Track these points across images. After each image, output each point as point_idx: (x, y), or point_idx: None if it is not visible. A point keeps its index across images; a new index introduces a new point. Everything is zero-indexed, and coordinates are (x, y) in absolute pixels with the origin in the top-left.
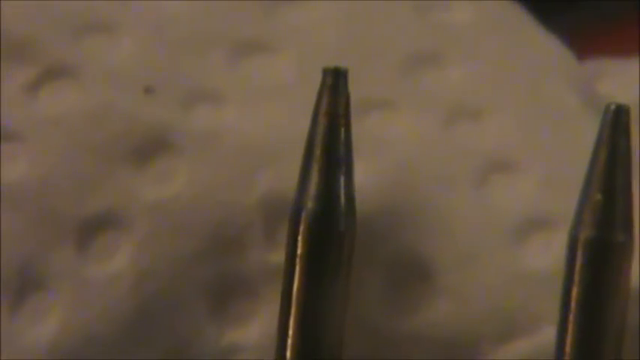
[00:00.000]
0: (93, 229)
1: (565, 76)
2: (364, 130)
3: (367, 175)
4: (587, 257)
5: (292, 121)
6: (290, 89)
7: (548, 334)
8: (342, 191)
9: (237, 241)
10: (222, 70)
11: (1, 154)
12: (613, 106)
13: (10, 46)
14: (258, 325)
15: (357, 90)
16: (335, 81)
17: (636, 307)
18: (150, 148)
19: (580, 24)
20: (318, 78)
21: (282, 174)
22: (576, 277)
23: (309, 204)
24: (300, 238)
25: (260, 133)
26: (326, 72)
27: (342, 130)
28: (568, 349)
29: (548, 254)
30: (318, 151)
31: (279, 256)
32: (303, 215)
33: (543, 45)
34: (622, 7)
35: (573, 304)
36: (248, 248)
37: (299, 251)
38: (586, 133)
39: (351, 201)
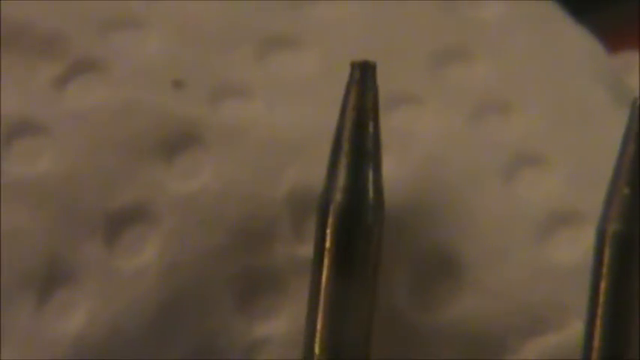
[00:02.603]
0: (120, 223)
1: (594, 70)
2: (392, 124)
3: (395, 170)
4: (614, 251)
5: (319, 116)
6: (317, 84)
7: (576, 329)
8: (371, 184)
9: (265, 235)
10: (250, 64)
11: (29, 149)
12: None
13: (39, 41)
14: (285, 319)
15: (384, 84)
16: (363, 74)
17: None
18: (177, 142)
19: (612, 19)
20: (344, 73)
21: (309, 168)
22: (604, 271)
23: (338, 197)
24: (328, 231)
25: (287, 127)
26: (354, 65)
27: (371, 123)
28: (596, 343)
29: (576, 248)
30: (346, 145)
31: (306, 250)
32: (332, 208)
33: (573, 39)
34: None
35: (601, 298)
36: (275, 242)
37: (327, 244)
38: (614, 128)
39: (379, 194)
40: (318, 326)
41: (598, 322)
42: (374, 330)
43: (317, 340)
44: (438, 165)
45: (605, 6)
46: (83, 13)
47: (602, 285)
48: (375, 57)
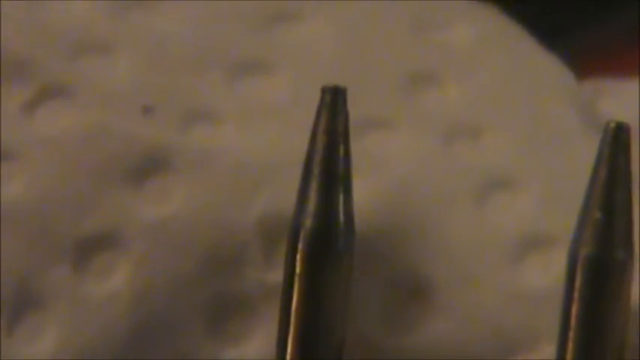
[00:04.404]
0: (90, 249)
1: (565, 95)
2: (363, 148)
3: (366, 194)
4: (586, 275)
5: (289, 141)
6: (287, 109)
7: (547, 353)
8: (341, 209)
9: (235, 261)
10: (220, 89)
11: None
12: (613, 124)
13: (7, 65)
14: (256, 345)
15: (355, 109)
16: (334, 99)
17: (636, 325)
18: (147, 167)
19: (581, 45)
20: (315, 97)
21: (279, 193)
22: (576, 295)
23: (308, 222)
24: (298, 256)
25: (257, 152)
26: (325, 90)
27: (341, 148)
28: None
29: (547, 272)
30: (316, 169)
31: (277, 275)
32: (302, 233)
33: (543, 64)
34: (622, 29)
35: (573, 322)
36: (246, 267)
37: (297, 269)
38: (585, 152)
39: (350, 219)
40: (289, 351)
41: (570, 346)
42: (345, 355)
43: None
44: (409, 189)
45: (573, 32)
46: (52, 38)
47: (574, 309)
48: (346, 81)
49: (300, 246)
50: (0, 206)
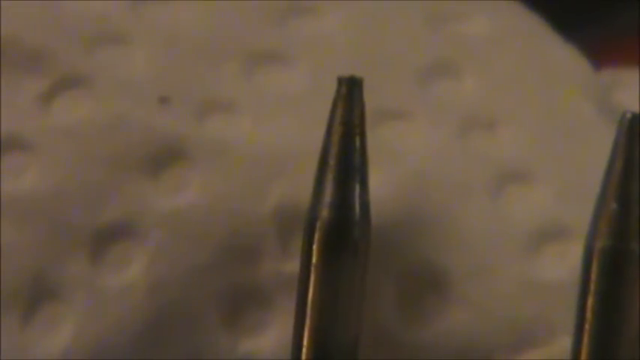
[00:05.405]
0: (106, 239)
1: (581, 85)
2: (379, 140)
3: (382, 185)
4: (602, 267)
5: (306, 131)
6: (303, 99)
7: (563, 344)
8: (357, 200)
9: (251, 251)
10: (236, 80)
11: (14, 165)
12: (628, 115)
13: (24, 56)
14: (272, 335)
15: (371, 100)
16: (350, 90)
17: None
18: (163, 158)
19: (598, 35)
20: (331, 88)
21: (295, 184)
22: (592, 287)
23: (324, 213)
24: (314, 247)
25: (273, 143)
26: (341, 81)
27: (357, 139)
28: (583, 359)
29: (563, 264)
30: (332, 160)
31: (293, 266)
32: (318, 224)
33: (559, 55)
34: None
35: (589, 314)
36: (262, 258)
37: (314, 260)
38: (602, 143)
39: (366, 210)
40: (305, 342)
41: (585, 338)
42: (361, 345)
43: (304, 356)
44: (425, 180)
45: (591, 23)
46: (69, 29)
47: (590, 301)
48: (363, 72)
49: (316, 237)
50: (16, 198)
